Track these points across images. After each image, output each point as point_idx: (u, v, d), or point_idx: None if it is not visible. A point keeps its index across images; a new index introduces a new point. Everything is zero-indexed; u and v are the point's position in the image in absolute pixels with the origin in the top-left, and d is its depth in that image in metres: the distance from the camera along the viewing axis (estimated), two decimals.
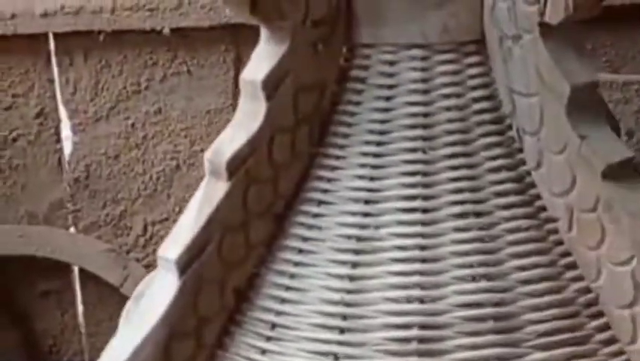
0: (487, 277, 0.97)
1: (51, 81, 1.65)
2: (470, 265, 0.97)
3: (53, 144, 1.68)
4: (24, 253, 1.68)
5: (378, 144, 1.00)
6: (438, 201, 0.98)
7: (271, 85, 0.97)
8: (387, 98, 1.00)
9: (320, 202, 1.01)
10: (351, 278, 0.98)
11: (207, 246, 0.98)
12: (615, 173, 0.94)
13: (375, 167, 1.00)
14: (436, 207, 0.98)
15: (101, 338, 1.71)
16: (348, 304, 0.97)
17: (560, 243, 0.99)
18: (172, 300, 0.97)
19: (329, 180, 1.01)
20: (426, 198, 0.98)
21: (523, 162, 1.00)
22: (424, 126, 0.99)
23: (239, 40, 1.59)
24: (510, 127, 1.00)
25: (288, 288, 1.00)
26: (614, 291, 0.96)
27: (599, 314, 0.98)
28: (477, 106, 1.00)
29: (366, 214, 0.99)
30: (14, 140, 1.67)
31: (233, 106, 1.60)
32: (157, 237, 1.67)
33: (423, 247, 0.97)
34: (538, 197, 0.99)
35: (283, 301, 1.00)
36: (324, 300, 0.98)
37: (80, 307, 1.76)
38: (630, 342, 0.96)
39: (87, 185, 1.68)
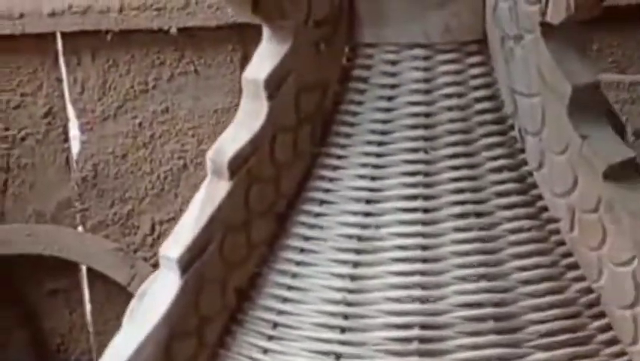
0: (488, 278, 0.97)
1: (59, 80, 1.66)
2: (471, 265, 0.97)
3: (61, 143, 1.69)
4: (32, 252, 1.69)
5: (380, 143, 1.00)
6: (439, 201, 0.98)
7: (273, 84, 0.97)
8: (390, 98, 1.00)
9: (322, 202, 1.01)
10: (353, 278, 0.98)
11: (209, 245, 0.98)
12: (616, 173, 0.94)
13: (376, 166, 1.00)
14: (437, 207, 0.98)
15: (109, 336, 1.70)
16: (349, 304, 0.97)
17: (562, 243, 0.99)
18: (174, 299, 0.97)
19: (331, 179, 1.01)
20: (427, 198, 0.98)
21: (524, 163, 1.00)
22: (426, 126, 0.99)
23: (246, 40, 1.59)
24: (512, 127, 1.00)
25: (289, 287, 1.00)
26: (615, 291, 0.96)
27: (601, 315, 0.98)
28: (479, 106, 1.00)
29: (367, 214, 0.99)
30: (22, 139, 1.68)
31: None
32: (164, 236, 1.67)
33: (424, 247, 0.97)
34: (539, 197, 0.99)
35: (285, 300, 1.00)
36: (326, 299, 0.98)
37: (88, 306, 1.77)
38: (632, 343, 0.96)
39: (95, 184, 1.69)
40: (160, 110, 1.65)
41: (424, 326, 0.96)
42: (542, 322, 0.96)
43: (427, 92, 1.00)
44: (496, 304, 0.96)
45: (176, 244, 0.98)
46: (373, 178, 1.00)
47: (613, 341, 0.98)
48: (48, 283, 1.75)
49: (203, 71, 1.63)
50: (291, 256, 1.01)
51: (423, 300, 0.96)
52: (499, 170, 0.99)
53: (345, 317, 0.97)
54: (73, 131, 1.69)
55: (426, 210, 0.98)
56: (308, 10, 0.97)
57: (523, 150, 0.99)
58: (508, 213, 0.98)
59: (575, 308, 0.98)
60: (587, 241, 0.96)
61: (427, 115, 1.00)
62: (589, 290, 0.98)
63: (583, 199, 0.96)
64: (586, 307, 0.98)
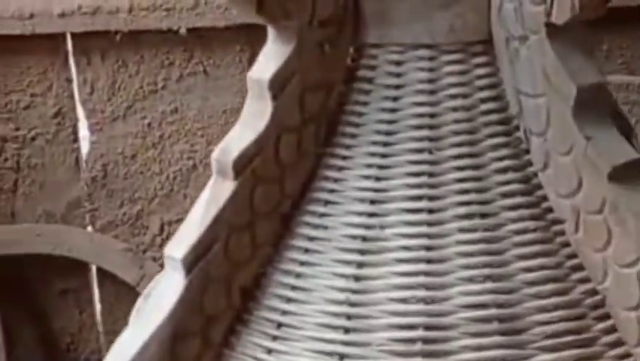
0: (493, 279, 0.97)
1: (69, 81, 1.66)
2: (476, 266, 0.97)
3: (71, 144, 1.69)
4: (42, 252, 1.69)
5: (385, 144, 1.00)
6: (444, 202, 0.98)
7: (277, 85, 0.97)
8: (394, 99, 1.00)
9: (326, 202, 1.01)
10: (357, 278, 0.98)
11: (213, 245, 0.98)
12: (621, 175, 0.94)
13: (381, 167, 1.00)
14: (442, 207, 0.98)
15: (118, 336, 1.72)
16: (353, 304, 0.97)
17: (567, 245, 0.99)
18: (178, 299, 0.98)
19: (335, 180, 1.01)
20: (432, 198, 0.98)
21: (530, 164, 0.99)
22: (431, 127, 0.99)
23: (254, 40, 1.59)
24: (517, 128, 1.00)
25: (293, 287, 1.00)
26: (620, 293, 0.96)
27: (606, 316, 0.98)
28: (484, 107, 1.00)
29: (372, 214, 0.99)
30: (32, 139, 1.69)
31: None
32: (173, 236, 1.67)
33: (428, 248, 0.97)
34: (544, 198, 0.99)
35: (289, 300, 1.00)
36: (330, 300, 0.98)
37: (98, 306, 1.77)
38: (637, 344, 0.96)
39: (104, 184, 1.69)
40: (169, 111, 1.66)
41: (428, 327, 0.96)
42: (547, 323, 0.96)
43: (432, 92, 1.00)
44: (501, 306, 0.96)
45: (180, 244, 0.98)
46: (378, 179, 1.00)
47: (618, 343, 0.97)
48: (58, 283, 1.75)
49: (212, 71, 1.63)
50: (295, 256, 1.01)
51: (427, 301, 0.96)
52: (504, 171, 0.99)
53: (349, 317, 0.97)
54: (83, 131, 1.69)
55: (431, 211, 0.98)
56: (312, 11, 0.97)
57: (528, 151, 0.99)
58: (513, 214, 0.98)
59: (580, 310, 0.97)
60: (592, 243, 0.96)
61: (432, 116, 1.00)
62: (594, 292, 0.98)
63: (588, 200, 0.95)
64: (591, 309, 0.98)
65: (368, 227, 0.99)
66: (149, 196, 1.69)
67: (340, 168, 1.01)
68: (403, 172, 0.99)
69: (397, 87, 1.00)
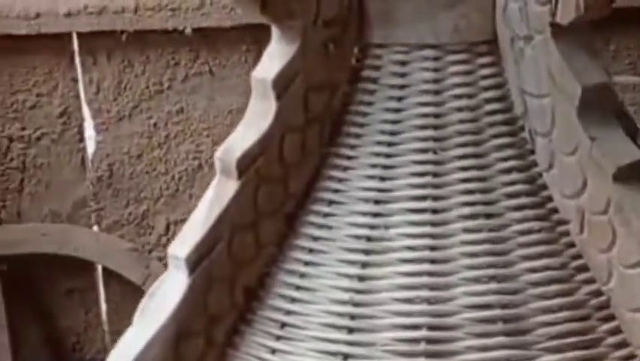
0: (497, 279, 0.96)
1: (75, 81, 1.66)
2: (480, 267, 0.97)
3: (77, 143, 1.69)
4: (47, 252, 1.69)
5: (390, 144, 1.00)
6: (448, 202, 0.98)
7: (281, 84, 0.97)
8: (399, 99, 1.00)
9: (331, 202, 1.01)
10: (361, 278, 0.98)
11: (217, 245, 0.98)
12: (626, 175, 0.93)
13: (386, 167, 1.00)
14: (446, 208, 0.98)
15: None
16: (357, 304, 0.97)
17: (572, 245, 0.98)
18: (181, 298, 0.98)
19: (340, 179, 1.01)
20: (436, 198, 0.98)
21: (535, 164, 0.99)
22: (436, 127, 0.99)
23: (260, 41, 1.59)
24: (522, 128, 1.00)
25: (297, 287, 1.00)
26: (624, 294, 0.95)
27: (611, 317, 0.97)
28: (489, 107, 1.00)
29: (376, 214, 0.99)
30: (38, 139, 1.69)
31: None
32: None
33: (432, 248, 0.97)
34: (549, 199, 0.99)
35: (293, 300, 1.00)
36: (334, 300, 0.98)
37: (104, 306, 1.77)
38: None
39: (110, 184, 1.69)
40: (175, 111, 1.66)
41: (432, 327, 0.96)
42: (551, 324, 0.96)
43: (437, 92, 1.00)
44: (505, 306, 0.96)
45: (184, 244, 0.98)
46: (382, 179, 1.00)
47: (623, 344, 0.97)
48: (64, 283, 1.76)
49: (218, 71, 1.63)
50: (299, 256, 1.01)
51: (431, 301, 0.96)
52: (509, 171, 0.99)
53: (353, 317, 0.97)
54: (89, 131, 1.69)
55: (435, 211, 0.98)
56: (317, 11, 0.97)
57: (533, 152, 0.99)
58: (517, 215, 0.98)
59: (585, 311, 0.97)
60: (597, 243, 0.96)
61: (437, 116, 0.99)
62: (599, 293, 0.98)
63: (592, 201, 0.95)
64: (595, 310, 0.98)
65: (372, 227, 0.99)
66: (154, 196, 1.69)
67: (345, 168, 1.01)
68: (407, 172, 0.99)
69: (402, 87, 1.00)
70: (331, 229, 1.00)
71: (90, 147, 1.70)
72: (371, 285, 0.97)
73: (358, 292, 0.97)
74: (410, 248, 0.97)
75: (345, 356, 0.97)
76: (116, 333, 1.76)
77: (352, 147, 1.01)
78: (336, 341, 0.97)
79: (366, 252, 0.98)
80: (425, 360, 0.95)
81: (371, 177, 1.00)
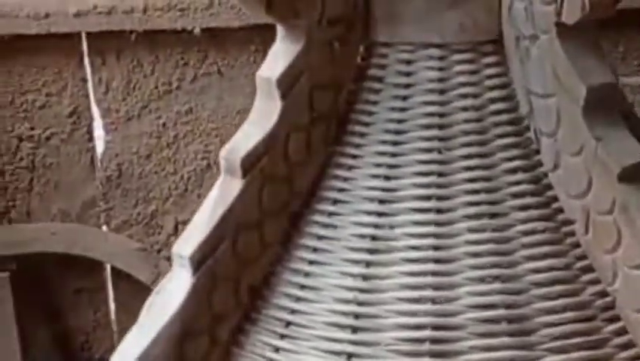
0: (501, 279, 0.96)
1: (84, 80, 1.67)
2: (484, 267, 0.96)
3: (86, 143, 1.69)
4: (57, 251, 1.70)
5: (395, 143, 1.00)
6: (453, 202, 0.98)
7: (286, 83, 0.97)
8: (404, 98, 1.00)
9: (335, 201, 1.01)
10: (365, 277, 0.98)
11: (221, 243, 0.98)
12: (631, 175, 0.93)
13: (390, 166, 0.99)
14: (451, 207, 0.98)
15: None
16: (361, 304, 0.97)
17: (577, 245, 0.98)
18: (186, 297, 0.98)
19: (345, 178, 1.01)
20: (441, 198, 0.98)
21: (540, 164, 0.99)
22: (441, 126, 0.99)
23: (269, 41, 1.58)
24: (527, 128, 0.99)
25: (302, 286, 1.00)
26: (630, 295, 0.95)
27: (616, 318, 0.97)
28: (494, 107, 0.99)
29: (381, 214, 0.99)
30: (48, 138, 1.69)
31: None
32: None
33: (437, 248, 0.97)
34: (555, 199, 0.99)
35: (297, 299, 1.00)
36: (338, 299, 0.98)
37: (112, 305, 1.77)
38: None
39: (119, 184, 1.70)
40: (184, 111, 1.66)
41: (436, 327, 0.95)
42: (556, 325, 0.96)
43: (442, 92, 0.99)
44: (509, 306, 0.96)
45: (188, 243, 0.98)
46: (387, 178, 0.99)
47: (628, 345, 0.97)
48: (73, 282, 1.76)
49: (227, 71, 1.63)
50: (304, 255, 1.01)
51: (435, 301, 0.96)
52: (514, 171, 0.99)
53: (357, 316, 0.97)
54: (98, 131, 1.70)
55: (439, 211, 0.98)
56: (321, 10, 0.97)
57: (538, 151, 0.99)
58: (522, 215, 0.98)
59: (590, 312, 0.97)
60: (602, 244, 0.96)
61: (442, 115, 0.99)
62: (604, 293, 0.97)
63: (598, 201, 0.95)
64: (601, 311, 0.97)
65: (377, 226, 0.99)
66: (163, 196, 1.70)
67: (350, 167, 1.01)
68: (412, 172, 0.99)
69: (407, 86, 1.00)
70: (336, 228, 1.00)
71: (99, 146, 1.70)
72: (375, 284, 0.97)
73: (363, 291, 0.97)
74: (414, 248, 0.97)
75: (350, 355, 0.97)
76: (125, 333, 1.75)
77: (357, 145, 1.01)
78: (340, 340, 0.97)
79: (371, 251, 0.98)
80: (429, 360, 0.95)
81: (376, 176, 1.00)
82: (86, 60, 1.66)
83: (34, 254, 1.70)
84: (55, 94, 1.67)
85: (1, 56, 1.65)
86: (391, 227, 0.98)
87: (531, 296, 0.96)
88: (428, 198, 0.98)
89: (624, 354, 0.97)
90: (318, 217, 1.01)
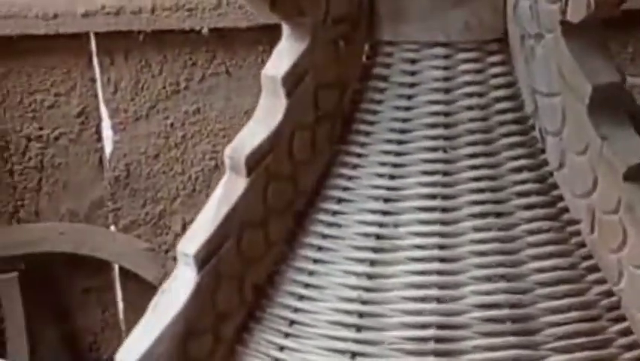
0: (506, 278, 0.96)
1: (92, 80, 1.67)
2: (489, 266, 0.96)
3: (94, 143, 1.70)
4: (65, 251, 1.70)
5: (400, 142, 1.00)
6: (458, 201, 0.98)
7: (291, 82, 0.97)
8: (409, 97, 1.00)
9: (340, 200, 1.01)
10: (369, 276, 0.98)
11: (226, 242, 0.98)
12: (637, 174, 0.93)
13: (395, 165, 0.99)
14: (456, 206, 0.97)
15: None
16: (365, 302, 0.97)
17: (583, 245, 0.98)
18: (190, 295, 0.98)
19: (350, 177, 1.01)
20: (446, 197, 0.98)
21: (545, 163, 0.99)
22: (446, 125, 0.99)
23: (277, 41, 1.59)
24: (533, 127, 0.99)
25: (306, 285, 1.00)
26: (635, 294, 0.95)
27: (621, 318, 0.97)
28: (499, 105, 0.99)
29: (385, 213, 0.99)
30: (56, 138, 1.69)
31: None
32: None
33: (442, 247, 0.97)
34: (560, 198, 0.98)
35: (302, 298, 1.00)
36: (342, 298, 0.98)
37: (120, 305, 1.78)
38: None
39: (127, 184, 1.70)
40: (192, 111, 1.66)
41: (440, 326, 0.95)
42: (560, 324, 0.95)
43: (447, 90, 0.99)
44: (514, 306, 0.95)
45: (193, 241, 0.98)
46: (392, 177, 0.99)
47: (633, 346, 0.96)
48: (81, 282, 1.76)
49: (235, 71, 1.64)
50: (308, 254, 1.01)
51: (440, 300, 0.96)
52: (519, 170, 0.99)
53: (362, 315, 0.97)
54: (106, 131, 1.70)
55: (444, 210, 0.98)
56: (326, 8, 0.97)
57: (543, 150, 0.99)
58: (527, 214, 0.98)
59: (595, 311, 0.97)
60: (607, 243, 0.95)
61: (447, 114, 0.99)
62: (609, 293, 0.97)
63: (603, 200, 0.95)
64: (606, 311, 0.97)
65: (382, 225, 0.98)
66: (171, 196, 1.70)
67: (354, 166, 1.01)
68: (417, 170, 0.99)
69: (412, 85, 1.00)
70: (340, 227, 1.00)
71: (107, 146, 1.70)
72: (380, 283, 0.97)
73: (367, 290, 0.97)
74: (419, 247, 0.97)
75: (354, 354, 0.96)
76: None
77: (362, 144, 1.01)
78: (344, 339, 0.97)
79: (375, 250, 0.98)
80: (434, 359, 0.95)
81: (381, 175, 1.00)
82: (95, 60, 1.66)
83: (43, 254, 1.70)
84: (63, 94, 1.68)
85: (9, 56, 1.66)
86: (396, 226, 0.98)
87: (536, 296, 0.96)
88: (433, 196, 0.98)
89: (629, 355, 0.96)
90: (322, 216, 1.01)
